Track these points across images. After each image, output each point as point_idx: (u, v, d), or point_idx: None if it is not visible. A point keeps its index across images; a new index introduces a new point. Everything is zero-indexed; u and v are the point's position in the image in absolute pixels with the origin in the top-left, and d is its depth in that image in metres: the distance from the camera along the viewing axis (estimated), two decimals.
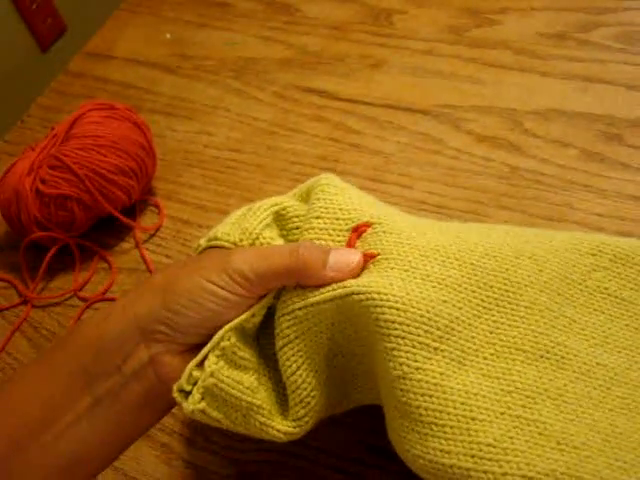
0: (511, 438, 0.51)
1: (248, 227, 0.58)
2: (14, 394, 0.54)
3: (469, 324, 0.55)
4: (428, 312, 0.53)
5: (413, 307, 0.53)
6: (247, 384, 0.55)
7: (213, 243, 0.59)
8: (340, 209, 0.59)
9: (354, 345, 0.59)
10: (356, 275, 0.56)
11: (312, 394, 0.57)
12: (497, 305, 0.56)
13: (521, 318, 0.56)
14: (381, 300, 0.53)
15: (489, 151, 0.86)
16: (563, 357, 0.55)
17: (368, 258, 0.57)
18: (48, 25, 1.10)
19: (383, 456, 0.66)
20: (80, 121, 0.86)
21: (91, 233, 0.89)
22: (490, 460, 0.50)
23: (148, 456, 0.70)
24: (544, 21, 0.98)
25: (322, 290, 0.55)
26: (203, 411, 0.53)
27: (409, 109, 0.93)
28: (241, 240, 0.58)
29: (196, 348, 0.54)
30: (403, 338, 0.52)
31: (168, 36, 1.13)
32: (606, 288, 0.60)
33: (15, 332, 0.83)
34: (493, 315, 0.55)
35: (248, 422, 0.55)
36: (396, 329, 0.52)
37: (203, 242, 0.60)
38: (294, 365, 0.56)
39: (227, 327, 0.54)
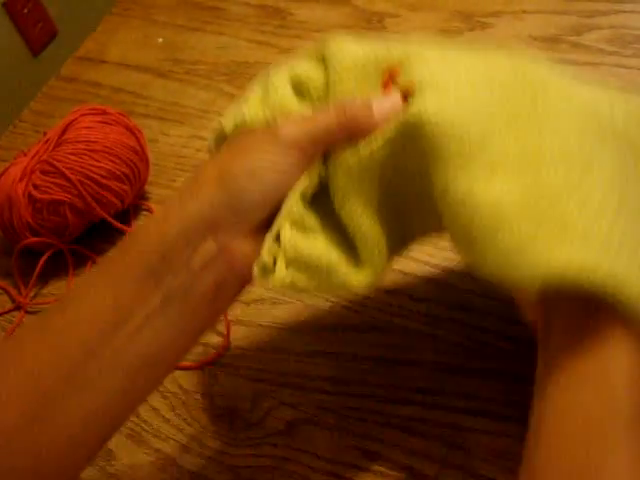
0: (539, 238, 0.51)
1: (278, 101, 0.58)
2: (80, 303, 0.54)
3: (499, 134, 0.55)
4: (462, 126, 0.54)
5: (448, 122, 0.54)
6: (321, 246, 0.56)
7: (242, 125, 0.59)
8: (365, 56, 0.59)
9: (408, 180, 0.59)
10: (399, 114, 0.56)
11: (380, 239, 0.59)
12: (527, 116, 0.57)
13: (548, 128, 0.56)
14: (419, 125, 0.54)
15: None
16: (587, 160, 0.55)
17: (407, 94, 0.56)
18: (39, 29, 1.09)
19: (377, 461, 0.66)
20: (72, 126, 0.86)
21: (84, 238, 0.89)
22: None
23: (143, 462, 0.70)
24: (536, 24, 0.98)
25: (371, 138, 0.55)
26: (292, 281, 0.55)
27: None
28: (273, 117, 0.58)
29: (260, 230, 0.54)
30: (441, 156, 0.54)
31: (160, 40, 1.13)
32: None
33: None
34: (520, 124, 0.56)
35: (330, 281, 0.56)
36: (436, 144, 0.54)
37: (227, 126, 0.60)
38: (357, 218, 0.57)
39: (292, 195, 0.54)
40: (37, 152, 0.85)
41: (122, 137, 0.86)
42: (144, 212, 0.92)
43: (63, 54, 1.15)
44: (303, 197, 0.56)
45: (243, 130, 0.59)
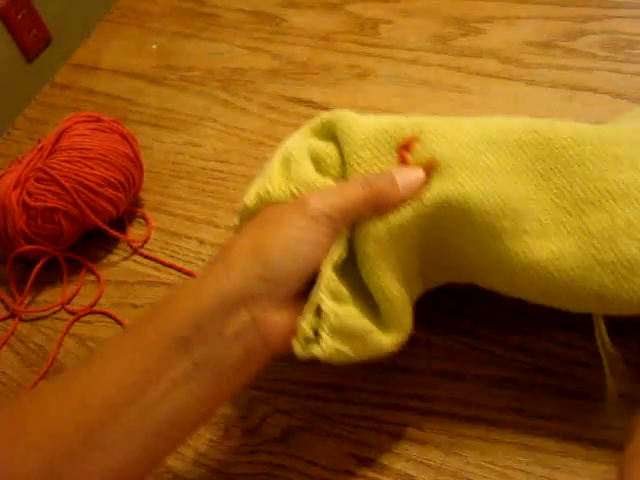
0: (606, 286, 0.57)
1: (302, 177, 0.60)
2: (107, 364, 0.55)
3: (536, 199, 0.59)
4: (503, 203, 0.58)
5: (489, 204, 0.58)
6: (354, 312, 0.58)
7: (267, 200, 0.61)
8: (378, 132, 0.62)
9: (437, 244, 0.62)
10: (423, 186, 0.59)
11: (406, 300, 0.61)
12: (553, 171, 0.60)
13: (576, 173, 0.60)
14: (457, 202, 0.58)
15: None
16: (625, 191, 0.58)
17: (429, 168, 0.59)
18: (33, 35, 1.09)
19: (372, 467, 0.66)
20: (66, 133, 0.86)
21: (79, 246, 0.89)
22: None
23: None
24: (530, 30, 0.98)
25: (401, 210, 0.59)
26: (337, 349, 0.56)
27: None
28: (299, 191, 0.60)
29: (290, 300, 0.56)
30: (489, 231, 0.59)
31: (154, 47, 1.13)
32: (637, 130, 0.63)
33: (3, 346, 0.83)
34: (553, 182, 0.60)
35: (365, 346, 0.58)
36: (477, 220, 0.58)
37: (250, 202, 0.62)
38: (384, 284, 0.59)
39: (326, 268, 0.57)
40: (31, 160, 0.85)
41: (116, 144, 0.86)
42: (138, 219, 0.92)
43: (57, 60, 1.15)
44: (335, 268, 0.58)
45: (269, 204, 0.61)
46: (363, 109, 0.92)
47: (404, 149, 0.61)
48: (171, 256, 0.87)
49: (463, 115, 0.88)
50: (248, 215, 0.62)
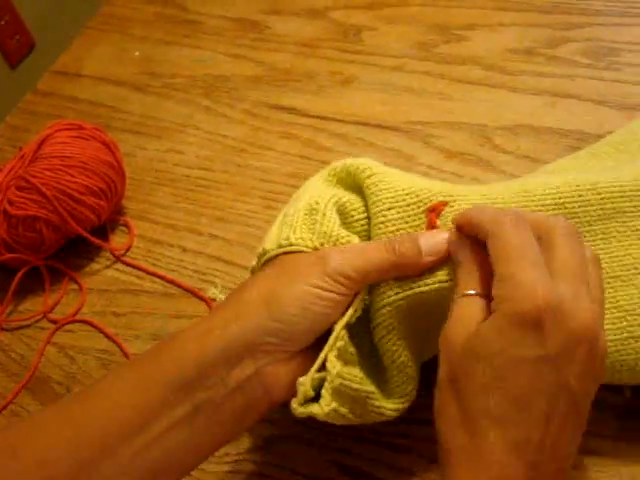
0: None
1: (326, 231, 0.59)
2: (105, 398, 0.55)
3: None
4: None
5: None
6: (360, 375, 0.57)
7: (289, 249, 0.59)
8: (407, 194, 0.61)
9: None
10: (448, 255, 0.58)
11: (414, 369, 0.61)
12: (595, 230, 0.62)
13: (602, 250, 0.61)
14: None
15: (459, 167, 0.86)
16: None
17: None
18: (16, 42, 1.09)
19: (355, 476, 0.66)
20: (48, 141, 0.85)
21: (60, 254, 0.88)
22: None
23: None
24: (512, 37, 0.99)
25: (426, 280, 0.58)
26: (335, 410, 0.56)
27: (379, 126, 0.93)
28: (322, 244, 0.59)
29: (299, 354, 0.56)
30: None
31: (137, 54, 1.13)
32: None
33: None
34: (593, 240, 0.61)
35: (365, 410, 0.59)
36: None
37: (270, 249, 0.60)
38: (397, 352, 0.59)
39: (340, 327, 0.56)
40: (12, 168, 0.84)
41: (98, 152, 0.86)
42: (121, 227, 0.92)
43: (41, 67, 1.14)
44: (348, 327, 0.57)
45: (290, 253, 0.59)
46: (346, 116, 0.94)
47: (433, 212, 0.61)
48: (154, 264, 0.86)
49: (446, 121, 0.89)
50: (266, 259, 0.61)
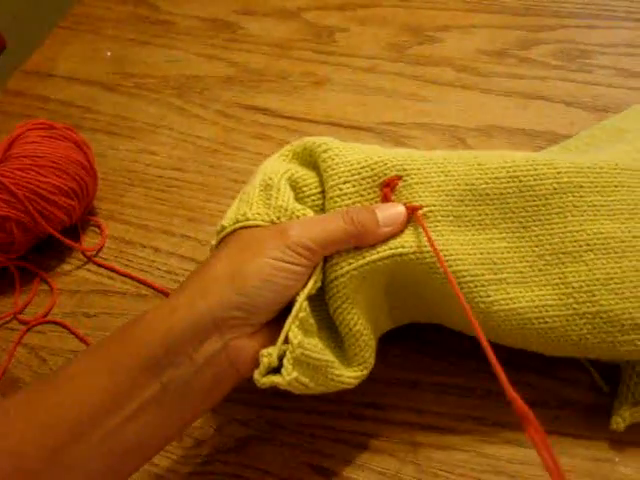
0: (585, 336, 0.60)
1: (282, 205, 0.60)
2: (74, 384, 0.54)
3: (517, 248, 0.62)
4: (482, 254, 0.61)
5: (469, 254, 0.60)
6: (319, 345, 0.58)
7: (245, 224, 0.60)
8: (362, 167, 0.62)
9: (405, 286, 0.63)
10: (404, 227, 0.61)
11: (370, 337, 0.61)
12: (534, 221, 0.62)
13: (556, 224, 0.62)
14: (434, 256, 0.59)
15: None
16: (603, 243, 0.61)
17: (410, 210, 0.61)
18: None
19: (328, 477, 0.65)
20: (19, 141, 0.84)
21: (31, 254, 0.88)
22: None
23: None
24: (485, 39, 0.99)
25: (378, 249, 0.59)
26: (296, 379, 0.56)
27: (353, 126, 0.93)
28: (278, 218, 0.60)
29: (264, 327, 0.57)
30: (468, 282, 0.60)
31: (109, 54, 1.12)
32: (617, 164, 0.65)
33: None
34: (534, 231, 0.62)
35: (326, 378, 0.59)
36: (463, 276, 0.60)
37: (228, 225, 0.61)
38: (352, 321, 0.60)
39: (301, 299, 0.57)
40: None
41: (69, 152, 0.85)
42: (92, 228, 0.91)
43: (12, 67, 1.13)
44: (309, 298, 0.58)
45: (248, 228, 0.60)
46: (319, 117, 0.94)
47: (387, 187, 0.62)
48: (126, 265, 0.86)
49: (419, 122, 0.89)
50: (225, 237, 0.61)
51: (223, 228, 0.61)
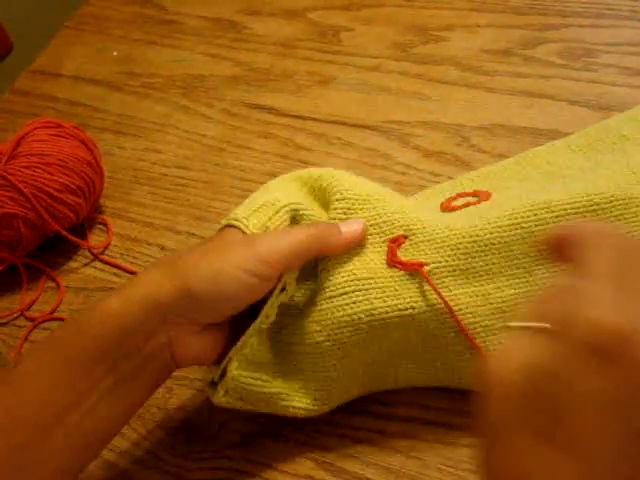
0: None
1: (269, 226, 0.61)
2: (32, 383, 0.55)
3: (523, 293, 0.63)
4: (491, 304, 0.62)
5: (479, 305, 0.62)
6: (265, 378, 0.60)
7: (232, 222, 0.61)
8: (371, 225, 0.64)
9: (390, 347, 0.64)
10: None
11: (335, 380, 0.63)
12: (536, 265, 0.63)
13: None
14: (445, 312, 0.61)
15: (437, 166, 0.86)
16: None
17: (417, 267, 0.61)
18: None
19: (332, 472, 0.66)
20: (26, 139, 0.85)
21: (38, 252, 0.88)
22: None
23: (98, 477, 0.69)
24: (489, 38, 0.99)
25: (388, 305, 0.60)
26: (228, 403, 0.59)
27: (357, 125, 0.93)
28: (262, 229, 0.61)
29: (212, 329, 0.59)
30: (480, 333, 0.62)
31: (115, 54, 1.13)
32: (612, 196, 0.65)
33: None
34: (537, 275, 0.63)
35: (269, 406, 0.62)
36: (474, 328, 0.61)
37: (225, 220, 0.62)
38: (330, 364, 0.62)
39: (249, 334, 0.58)
40: None
41: (76, 150, 0.85)
42: (99, 225, 0.91)
43: (19, 67, 1.13)
44: (261, 329, 0.60)
45: (231, 224, 0.61)
46: (324, 116, 0.94)
47: (394, 243, 0.63)
48: (132, 262, 0.86)
49: (423, 120, 0.89)
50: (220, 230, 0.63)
51: (221, 224, 0.63)
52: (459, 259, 0.62)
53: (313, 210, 0.64)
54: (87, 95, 1.08)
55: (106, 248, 0.89)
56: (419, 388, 0.68)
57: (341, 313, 0.60)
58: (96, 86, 1.09)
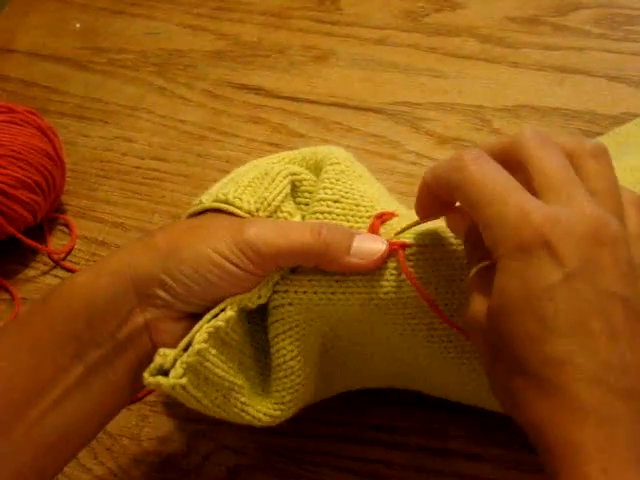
0: None
1: (267, 197, 0.60)
2: None
3: None
4: None
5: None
6: (231, 364, 0.58)
7: (221, 206, 0.60)
8: (361, 196, 0.62)
9: (357, 337, 0.63)
10: (379, 266, 0.59)
11: (302, 382, 0.61)
12: None
13: None
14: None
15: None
16: None
17: (397, 247, 0.59)
18: None
19: None
20: None
21: None
22: None
23: None
24: (514, 4, 1.00)
25: (350, 286, 0.59)
26: (184, 387, 0.55)
27: (360, 107, 0.94)
28: (257, 210, 0.60)
29: (195, 316, 0.57)
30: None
31: (78, 26, 1.13)
32: None
33: None
34: None
35: (228, 402, 0.59)
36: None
37: (206, 200, 0.61)
38: (289, 354, 0.60)
39: (225, 305, 0.57)
40: None
41: (33, 139, 0.86)
42: (60, 227, 0.92)
43: None
44: (240, 311, 0.58)
45: (220, 207, 0.60)
46: (322, 97, 0.94)
47: (379, 219, 0.61)
48: None
49: (437, 102, 0.90)
50: (197, 210, 0.62)
51: (200, 202, 0.62)
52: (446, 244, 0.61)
53: (310, 178, 0.64)
54: (44, 74, 1.08)
55: (69, 253, 0.89)
56: (433, 413, 0.69)
57: (285, 289, 0.59)
58: (55, 64, 1.09)
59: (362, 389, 0.69)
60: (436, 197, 0.54)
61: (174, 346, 0.55)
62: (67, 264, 0.88)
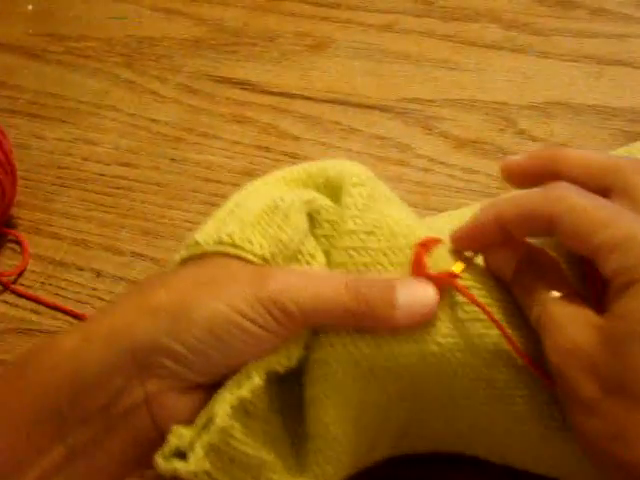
0: None
1: (283, 238, 0.58)
2: None
3: None
4: None
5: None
6: (258, 437, 0.56)
7: (225, 250, 0.57)
8: (396, 223, 0.60)
9: (411, 398, 0.62)
10: (432, 315, 0.57)
11: (344, 451, 0.59)
12: None
13: None
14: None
15: (472, 160, 0.87)
16: None
17: (449, 279, 0.58)
18: None
19: None
20: None
21: None
22: None
23: None
24: None
25: (399, 341, 0.57)
26: (208, 473, 0.53)
27: (364, 105, 0.95)
28: (273, 256, 0.58)
29: (203, 386, 0.55)
30: None
31: (30, 8, 1.14)
32: None
33: None
34: None
35: None
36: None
37: (205, 242, 0.58)
38: (328, 419, 0.58)
39: (250, 371, 0.55)
40: None
41: None
42: (10, 244, 0.92)
43: None
44: (267, 377, 0.56)
45: (223, 251, 0.58)
46: (318, 92, 0.95)
47: (423, 247, 0.59)
48: (56, 294, 0.87)
49: (453, 98, 0.91)
50: (194, 255, 0.59)
51: (196, 244, 0.59)
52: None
53: (327, 202, 0.62)
54: None
55: (20, 275, 0.90)
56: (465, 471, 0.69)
57: (333, 339, 0.58)
58: (4, 53, 1.10)
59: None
60: (505, 231, 0.56)
61: (179, 422, 0.54)
62: (18, 288, 0.88)
